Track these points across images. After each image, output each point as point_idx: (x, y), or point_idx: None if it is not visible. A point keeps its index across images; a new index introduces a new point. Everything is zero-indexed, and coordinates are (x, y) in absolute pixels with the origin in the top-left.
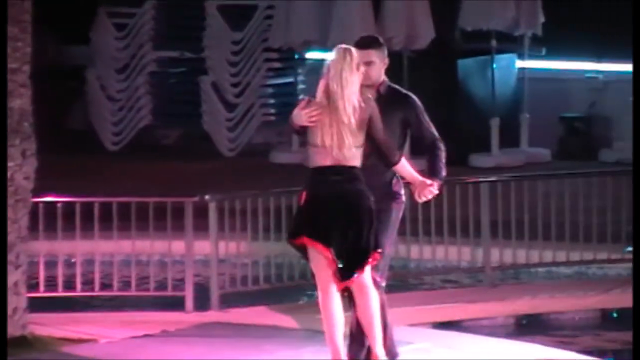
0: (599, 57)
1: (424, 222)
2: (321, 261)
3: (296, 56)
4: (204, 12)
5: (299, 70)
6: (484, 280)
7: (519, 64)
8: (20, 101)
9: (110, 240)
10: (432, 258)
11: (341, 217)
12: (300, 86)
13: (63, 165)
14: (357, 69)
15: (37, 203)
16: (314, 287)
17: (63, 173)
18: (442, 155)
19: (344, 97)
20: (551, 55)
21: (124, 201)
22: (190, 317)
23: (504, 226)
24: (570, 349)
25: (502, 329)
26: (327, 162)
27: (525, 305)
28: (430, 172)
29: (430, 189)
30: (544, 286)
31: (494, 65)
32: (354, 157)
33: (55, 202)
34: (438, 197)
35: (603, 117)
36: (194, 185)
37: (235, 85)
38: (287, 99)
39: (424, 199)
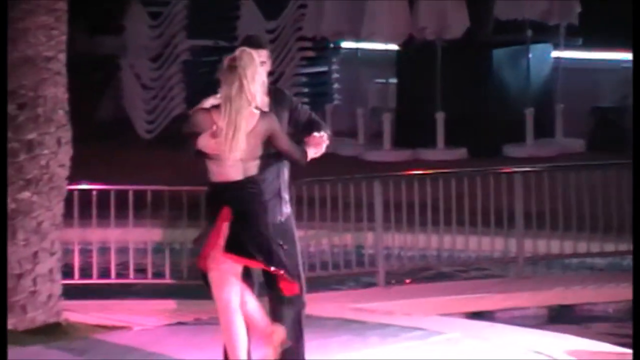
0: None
1: (458, 213)
2: None
3: (330, 45)
4: (238, 0)
5: (333, 60)
6: (517, 271)
7: (555, 54)
8: (54, 89)
9: (143, 228)
10: (465, 248)
11: None
12: (334, 75)
13: (96, 154)
14: None
15: (71, 191)
16: (344, 277)
17: (96, 162)
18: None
19: None
20: (588, 45)
21: (157, 189)
22: None
23: (538, 217)
24: (604, 340)
25: (534, 319)
26: None
27: (557, 296)
28: (315, 130)
29: (320, 139)
30: (577, 277)
31: (529, 55)
32: None
33: (90, 190)
34: (471, 187)
35: None
36: None
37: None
38: (321, 88)
39: (318, 152)
